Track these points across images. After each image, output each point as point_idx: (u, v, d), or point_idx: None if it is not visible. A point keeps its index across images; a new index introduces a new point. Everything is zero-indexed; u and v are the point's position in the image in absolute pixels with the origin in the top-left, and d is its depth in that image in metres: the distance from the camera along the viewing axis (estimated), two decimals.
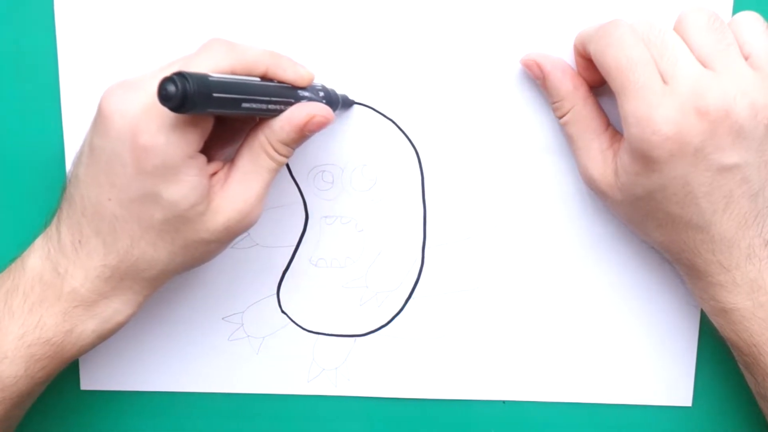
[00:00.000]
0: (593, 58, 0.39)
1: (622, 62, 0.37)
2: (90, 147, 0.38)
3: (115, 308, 0.40)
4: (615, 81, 0.38)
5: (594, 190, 0.43)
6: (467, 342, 0.47)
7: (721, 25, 0.38)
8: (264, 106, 0.37)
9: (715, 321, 0.42)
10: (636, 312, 0.47)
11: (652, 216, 0.40)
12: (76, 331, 0.39)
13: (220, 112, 0.35)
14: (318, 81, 0.42)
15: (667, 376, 0.48)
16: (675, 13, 0.39)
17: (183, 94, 0.31)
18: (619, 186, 0.40)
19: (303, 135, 0.38)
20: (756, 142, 0.37)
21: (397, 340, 0.48)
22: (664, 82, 0.37)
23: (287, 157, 0.39)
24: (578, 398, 0.48)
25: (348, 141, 0.45)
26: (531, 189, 0.45)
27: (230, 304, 0.47)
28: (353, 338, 0.48)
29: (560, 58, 0.42)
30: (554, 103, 0.43)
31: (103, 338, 0.40)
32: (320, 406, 0.48)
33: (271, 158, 0.39)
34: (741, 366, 0.43)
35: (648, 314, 0.47)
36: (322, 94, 0.41)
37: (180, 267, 0.40)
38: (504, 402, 0.48)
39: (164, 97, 0.32)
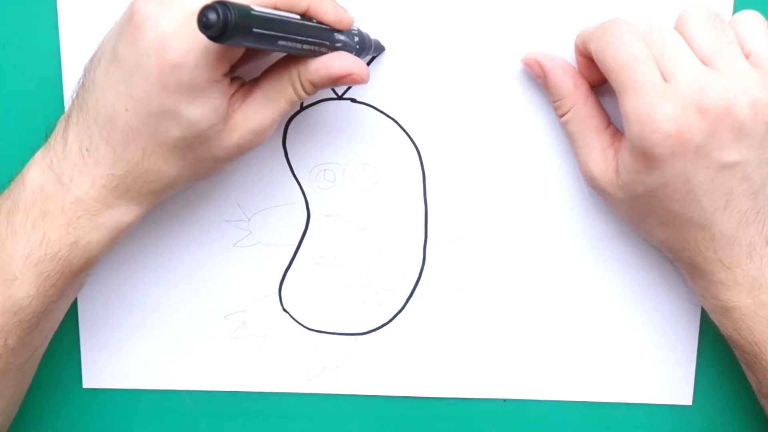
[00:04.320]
0: (594, 57, 0.39)
1: (623, 60, 0.37)
2: (113, 53, 0.37)
3: (117, 218, 0.39)
4: (616, 79, 0.38)
5: (595, 188, 0.43)
6: (468, 340, 0.47)
7: (722, 23, 0.38)
8: (299, 46, 0.36)
9: (716, 319, 0.42)
10: (637, 311, 0.47)
11: (653, 214, 0.40)
12: (80, 243, 0.38)
13: (256, 46, 0.34)
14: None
15: (668, 375, 0.48)
16: (676, 11, 0.39)
17: (224, 25, 0.31)
18: (620, 184, 0.40)
19: (334, 84, 0.39)
20: (757, 140, 0.37)
21: (399, 339, 0.48)
22: (665, 80, 0.37)
23: (310, 95, 0.39)
24: (579, 397, 0.48)
25: (349, 140, 0.45)
26: (532, 187, 0.46)
27: (232, 303, 0.47)
28: (355, 336, 0.48)
29: (561, 56, 0.43)
30: (555, 101, 0.43)
31: (107, 248, 0.40)
32: (322, 404, 0.49)
33: (296, 92, 0.39)
34: (742, 364, 0.43)
35: (649, 313, 0.47)
36: (357, 39, 0.41)
37: (185, 181, 0.40)
38: (504, 400, 0.48)
39: (204, 24, 0.31)
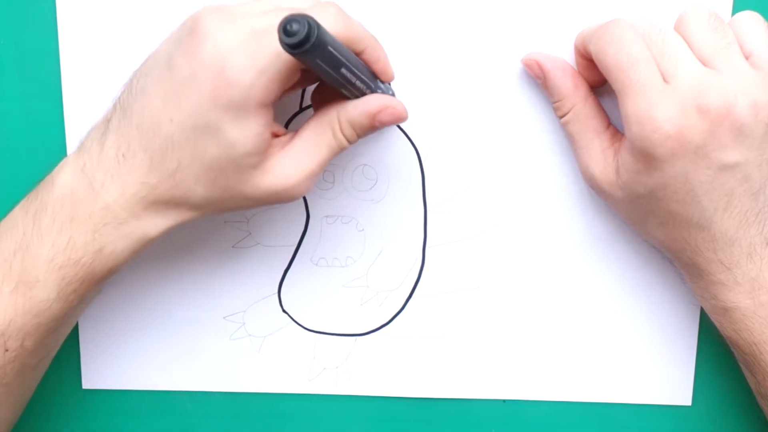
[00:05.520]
0: (594, 57, 0.39)
1: (623, 60, 0.37)
2: (168, 62, 0.37)
3: (143, 230, 0.39)
4: (616, 79, 0.38)
5: (595, 188, 0.43)
6: (467, 341, 0.47)
7: (722, 24, 0.38)
8: (353, 80, 0.37)
9: (716, 320, 0.42)
10: (636, 311, 0.47)
11: (653, 214, 0.40)
12: (105, 251, 0.38)
13: (319, 69, 0.34)
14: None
15: (667, 376, 0.48)
16: (675, 12, 0.39)
17: (307, 35, 0.31)
18: (620, 185, 0.40)
19: (372, 123, 0.39)
20: (757, 141, 0.37)
21: (398, 340, 0.48)
22: (665, 81, 0.37)
23: (350, 141, 0.39)
24: (578, 397, 0.48)
25: None
26: (532, 188, 0.46)
27: (232, 304, 0.47)
28: (354, 337, 0.48)
29: (561, 57, 0.43)
30: (555, 102, 0.43)
31: (130, 259, 0.40)
32: (321, 405, 0.49)
33: (335, 137, 0.39)
34: (741, 365, 0.43)
35: (648, 313, 0.47)
36: (391, 93, 0.41)
37: (211, 209, 0.39)
38: (504, 401, 0.48)
39: (287, 32, 0.31)
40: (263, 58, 0.35)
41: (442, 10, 0.44)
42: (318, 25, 0.31)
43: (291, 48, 0.31)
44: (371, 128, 0.39)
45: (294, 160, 0.38)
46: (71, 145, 0.45)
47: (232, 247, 0.47)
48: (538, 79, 0.43)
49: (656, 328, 0.47)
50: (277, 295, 0.47)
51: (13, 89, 0.45)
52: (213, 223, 0.46)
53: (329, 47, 0.33)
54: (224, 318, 0.47)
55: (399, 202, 0.46)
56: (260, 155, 0.37)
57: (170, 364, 0.48)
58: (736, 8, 0.43)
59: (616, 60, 0.37)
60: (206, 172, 0.37)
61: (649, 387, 0.48)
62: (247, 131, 0.36)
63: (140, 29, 0.44)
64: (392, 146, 0.45)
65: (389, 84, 0.41)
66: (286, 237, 0.47)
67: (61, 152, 0.45)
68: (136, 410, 0.49)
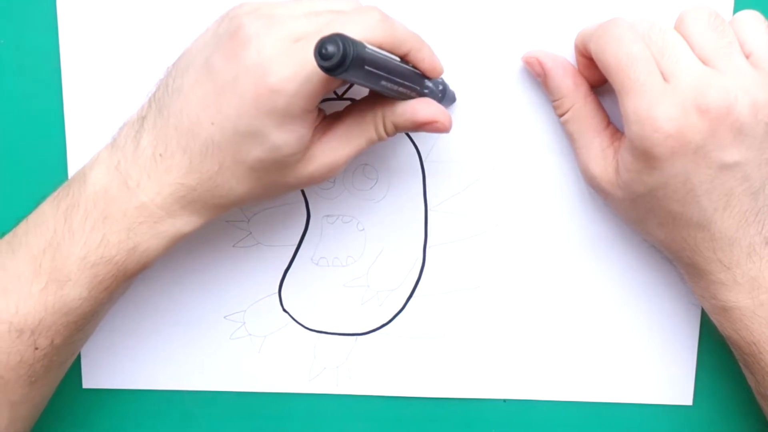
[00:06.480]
0: (594, 56, 0.39)
1: (623, 60, 0.37)
2: (207, 64, 0.37)
3: (178, 228, 0.39)
4: (615, 79, 0.38)
5: (595, 188, 0.43)
6: (468, 341, 0.47)
7: (722, 23, 0.38)
8: (395, 88, 0.36)
9: (716, 319, 0.42)
10: (637, 311, 0.47)
11: (652, 214, 0.40)
12: (139, 249, 0.38)
13: (359, 82, 0.34)
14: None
15: (668, 375, 0.48)
16: (676, 12, 0.39)
17: (342, 58, 0.31)
18: (620, 184, 0.40)
19: (417, 129, 0.39)
20: (757, 140, 0.37)
21: (398, 339, 0.48)
22: (665, 80, 0.37)
23: (390, 137, 0.39)
24: (579, 397, 0.48)
25: None
26: (532, 187, 0.46)
27: (232, 303, 0.47)
28: (354, 337, 0.48)
29: (561, 56, 0.43)
30: (555, 101, 0.43)
31: (162, 255, 0.39)
32: (322, 405, 0.49)
33: (377, 133, 0.39)
34: (741, 365, 0.43)
35: (649, 313, 0.47)
36: (441, 87, 0.41)
37: (251, 201, 0.39)
38: (505, 401, 0.48)
39: (322, 55, 0.31)
40: (307, 66, 0.35)
41: (442, 9, 0.43)
42: (353, 45, 0.31)
43: (327, 70, 0.31)
44: (415, 131, 0.40)
45: (335, 149, 0.39)
46: (71, 146, 0.45)
47: (233, 246, 0.47)
48: (539, 77, 0.43)
49: (657, 328, 0.47)
50: (277, 294, 0.47)
51: (13, 89, 0.45)
52: (213, 223, 0.46)
53: (366, 66, 0.33)
54: (224, 317, 0.47)
55: (399, 202, 0.46)
56: (303, 151, 0.38)
57: (170, 363, 0.48)
58: (737, 7, 0.42)
59: (616, 59, 0.37)
60: (249, 172, 0.37)
61: (650, 387, 0.48)
62: (291, 134, 0.36)
63: (141, 29, 0.44)
64: (393, 146, 0.45)
65: (439, 79, 0.41)
66: (287, 236, 0.47)
67: (62, 152, 0.45)
68: (136, 410, 0.49)
